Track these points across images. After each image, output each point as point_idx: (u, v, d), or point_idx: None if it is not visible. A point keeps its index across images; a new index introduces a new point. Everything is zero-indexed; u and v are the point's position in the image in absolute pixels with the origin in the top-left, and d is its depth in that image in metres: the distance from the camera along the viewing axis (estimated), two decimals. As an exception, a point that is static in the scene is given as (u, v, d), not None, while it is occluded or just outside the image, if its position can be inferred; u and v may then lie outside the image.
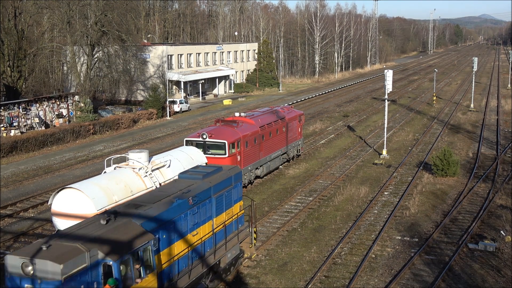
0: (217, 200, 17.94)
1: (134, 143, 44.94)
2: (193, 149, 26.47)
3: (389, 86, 38.80)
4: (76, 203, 19.09)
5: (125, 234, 13.66)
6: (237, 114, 32.49)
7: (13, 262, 12.34)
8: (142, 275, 13.79)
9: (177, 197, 16.12)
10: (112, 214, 14.41)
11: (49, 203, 19.86)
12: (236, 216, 19.34)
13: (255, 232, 20.69)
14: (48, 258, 12.01)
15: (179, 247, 15.82)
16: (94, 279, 12.67)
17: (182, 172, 19.41)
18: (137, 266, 13.62)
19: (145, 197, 16.41)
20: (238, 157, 28.70)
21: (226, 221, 18.56)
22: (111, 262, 12.87)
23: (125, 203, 16.60)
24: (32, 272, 12.18)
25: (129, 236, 13.63)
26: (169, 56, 72.57)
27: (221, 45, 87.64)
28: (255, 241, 20.88)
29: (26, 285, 12.29)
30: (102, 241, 13.04)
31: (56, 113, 50.24)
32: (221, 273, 18.44)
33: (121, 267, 13.11)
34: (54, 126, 48.81)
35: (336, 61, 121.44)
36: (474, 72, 67.84)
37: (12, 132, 44.46)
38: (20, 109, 46.64)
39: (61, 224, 19.26)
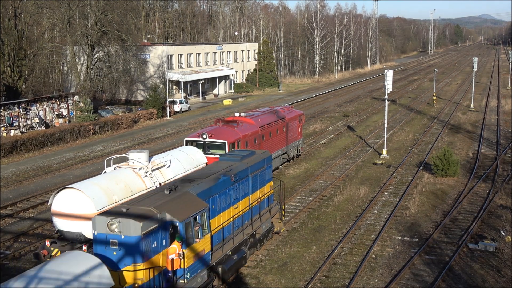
0: (252, 179, 20.76)
1: (134, 143, 44.94)
2: (193, 149, 26.46)
3: (389, 86, 38.79)
4: (76, 203, 19.09)
5: (186, 202, 16.44)
6: (237, 114, 32.48)
7: (100, 221, 15.05)
8: (200, 236, 16.46)
9: (222, 174, 18.91)
10: (172, 186, 17.08)
11: (49, 203, 19.86)
12: (268, 194, 22.10)
13: (283, 209, 23.21)
14: (130, 217, 14.62)
15: (224, 217, 18.62)
16: (163, 237, 15.34)
17: (222, 154, 23.20)
18: (196, 228, 16.25)
19: (196, 174, 19.53)
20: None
21: (260, 198, 21.36)
22: (177, 223, 15.50)
23: (180, 178, 19.49)
24: (116, 229, 14.75)
25: (189, 204, 16.43)
26: (169, 56, 72.58)
27: (221, 45, 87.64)
28: (283, 217, 23.28)
29: (111, 240, 14.81)
30: (169, 207, 15.71)
31: (56, 113, 50.24)
32: (257, 242, 21.32)
33: (185, 228, 15.67)
34: (54, 126, 48.81)
35: (336, 61, 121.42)
36: (474, 72, 67.83)
37: (12, 132, 44.47)
38: (20, 109, 46.64)
39: (61, 224, 19.26)
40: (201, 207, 16.55)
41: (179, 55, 75.29)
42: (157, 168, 22.83)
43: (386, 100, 40.80)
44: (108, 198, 19.62)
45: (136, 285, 14.56)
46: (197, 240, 16.36)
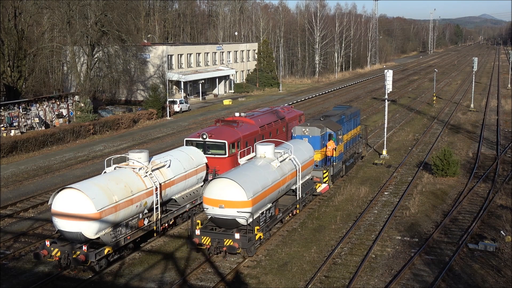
0: (353, 121, 34.24)
1: (134, 143, 44.94)
2: (193, 149, 26.48)
3: (389, 86, 38.81)
4: (76, 203, 19.09)
5: (333, 124, 30.41)
6: (237, 114, 32.48)
7: (298, 129, 29.26)
8: (339, 142, 30.34)
9: (341, 115, 32.55)
10: (321, 117, 31.13)
11: (49, 203, 19.87)
12: (358, 132, 35.88)
13: (366, 143, 38.91)
14: (315, 126, 29.04)
15: (344, 138, 31.68)
16: (326, 139, 29.37)
17: (335, 106, 43.07)
18: (340, 137, 30.32)
19: (328, 113, 34.24)
20: (238, 157, 28.68)
21: (355, 133, 34.87)
22: (332, 132, 29.51)
23: (322, 113, 36.66)
24: (307, 132, 28.89)
25: (334, 125, 30.40)
26: (169, 56, 72.57)
27: (221, 45, 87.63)
28: (365, 148, 38.25)
29: (304, 137, 28.61)
30: (327, 124, 29.85)
31: (56, 113, 50.25)
32: (357, 157, 35.82)
33: (335, 135, 29.56)
34: (54, 126, 48.81)
35: (336, 61, 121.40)
36: (474, 72, 67.82)
37: (12, 132, 44.47)
38: (20, 109, 46.65)
39: (61, 224, 19.27)
40: (340, 127, 30.61)
41: (179, 55, 75.29)
42: (157, 168, 22.85)
43: (386, 100, 40.80)
44: (108, 198, 19.63)
45: (316, 162, 28.35)
46: (339, 143, 30.32)
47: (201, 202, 25.88)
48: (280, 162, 23.81)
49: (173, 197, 24.26)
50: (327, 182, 28.98)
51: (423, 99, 72.53)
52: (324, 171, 28.75)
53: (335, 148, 29.15)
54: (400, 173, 33.82)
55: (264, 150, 23.79)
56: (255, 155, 24.18)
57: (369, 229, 24.23)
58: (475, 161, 36.09)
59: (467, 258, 21.00)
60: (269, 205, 22.63)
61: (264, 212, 22.22)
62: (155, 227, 22.46)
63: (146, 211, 21.92)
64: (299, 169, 25.12)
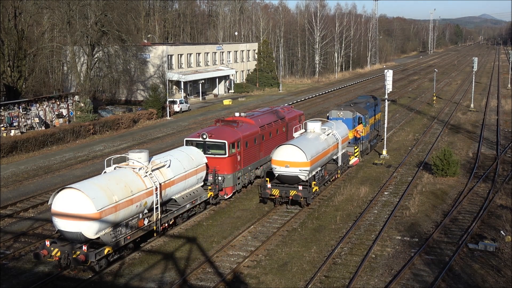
0: (374, 108, 40.54)
1: (134, 143, 44.93)
2: (193, 149, 26.48)
3: (389, 86, 38.83)
4: (76, 203, 19.10)
5: (361, 109, 36.78)
6: (237, 114, 32.45)
7: (333, 112, 35.71)
8: (366, 125, 36.75)
9: (367, 102, 39.27)
10: (352, 103, 38.24)
11: (49, 203, 19.87)
12: (379, 118, 42.48)
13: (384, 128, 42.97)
14: (348, 110, 35.66)
15: (369, 121, 38.13)
16: (356, 121, 35.59)
17: (359, 96, 47.48)
18: (367, 120, 36.73)
19: (355, 100, 40.56)
20: (238, 157, 28.68)
21: (377, 119, 41.49)
22: (362, 116, 35.96)
23: (349, 100, 43.46)
24: (341, 115, 35.17)
25: (362, 109, 36.86)
26: (169, 56, 72.56)
27: (221, 45, 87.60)
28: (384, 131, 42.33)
29: (338, 119, 34.29)
30: (356, 109, 36.21)
31: (56, 113, 50.23)
32: (378, 139, 42.31)
33: (364, 119, 36.16)
34: (54, 126, 48.80)
35: (336, 61, 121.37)
36: (474, 72, 67.81)
37: (12, 132, 44.46)
38: (20, 109, 46.63)
39: (61, 224, 19.27)
40: (367, 112, 37.04)
41: (179, 55, 75.28)
42: (157, 168, 22.85)
43: (386, 100, 40.84)
44: (108, 198, 19.63)
45: (349, 140, 33.99)
46: (367, 125, 36.99)
47: (201, 202, 26.10)
48: (327, 135, 29.81)
49: (173, 197, 24.26)
50: (357, 156, 35.67)
51: (423, 99, 72.53)
52: (355, 147, 35.47)
53: (362, 130, 36.04)
54: (400, 173, 33.82)
55: (313, 126, 30.02)
56: (305, 131, 30.06)
57: (369, 229, 24.23)
58: (475, 161, 36.09)
59: (467, 258, 21.00)
60: (319, 168, 28.70)
61: (318, 172, 28.46)
62: (155, 227, 22.47)
63: (146, 211, 21.93)
64: (339, 142, 31.43)
